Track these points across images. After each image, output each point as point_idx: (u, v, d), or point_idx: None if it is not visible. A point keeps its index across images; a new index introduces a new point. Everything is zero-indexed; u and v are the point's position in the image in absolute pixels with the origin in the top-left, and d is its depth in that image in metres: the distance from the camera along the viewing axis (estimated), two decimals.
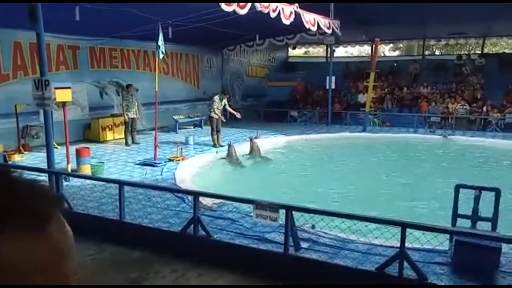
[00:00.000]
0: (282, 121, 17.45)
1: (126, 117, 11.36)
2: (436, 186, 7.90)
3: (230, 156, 9.95)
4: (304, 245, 4.66)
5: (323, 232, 5.00)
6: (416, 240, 4.32)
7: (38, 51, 6.05)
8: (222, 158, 10.04)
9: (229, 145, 10.09)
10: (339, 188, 7.80)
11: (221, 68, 18.43)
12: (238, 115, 11.39)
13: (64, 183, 6.42)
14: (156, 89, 8.93)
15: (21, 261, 0.47)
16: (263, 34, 15.55)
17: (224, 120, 11.52)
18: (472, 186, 4.50)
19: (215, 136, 11.29)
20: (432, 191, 7.56)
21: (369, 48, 22.14)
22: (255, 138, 11.17)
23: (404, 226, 3.93)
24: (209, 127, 11.58)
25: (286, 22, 10.79)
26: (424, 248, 4.40)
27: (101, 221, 5.33)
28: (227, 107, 11.35)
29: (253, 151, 10.67)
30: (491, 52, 23.81)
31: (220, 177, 8.64)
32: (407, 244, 3.96)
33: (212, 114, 11.13)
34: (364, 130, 14.97)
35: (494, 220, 4.40)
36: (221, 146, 11.20)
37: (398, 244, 3.94)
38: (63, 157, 8.13)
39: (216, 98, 11.17)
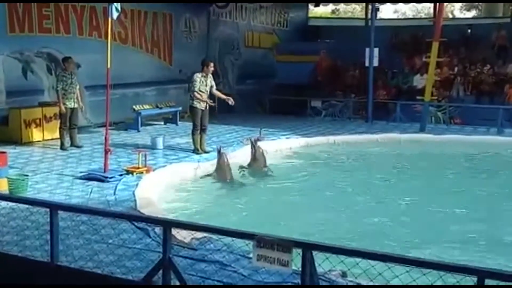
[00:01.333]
0: (299, 115, 17.48)
1: (63, 107, 11.38)
2: None
3: (221, 170, 9.83)
4: None
5: (360, 284, 5.01)
6: None
7: None
8: (206, 175, 9.96)
9: (219, 153, 10.00)
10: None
11: (206, 34, 18.46)
12: (230, 101, 11.44)
13: None
14: (108, 66, 8.94)
15: None
16: None
17: (212, 103, 11.31)
18: None
19: (198, 137, 11.28)
20: None
21: (431, 6, 22.17)
22: (259, 140, 11.12)
23: (482, 276, 3.92)
24: (189, 123, 11.56)
25: None
26: None
27: (22, 263, 5.33)
28: (214, 90, 11.38)
29: (257, 161, 10.59)
30: None
31: (204, 204, 8.64)
32: None
33: (195, 103, 11.11)
34: (422, 130, 14.96)
35: None
36: (205, 152, 11.22)
37: None
38: None
39: (197, 76, 11.14)
